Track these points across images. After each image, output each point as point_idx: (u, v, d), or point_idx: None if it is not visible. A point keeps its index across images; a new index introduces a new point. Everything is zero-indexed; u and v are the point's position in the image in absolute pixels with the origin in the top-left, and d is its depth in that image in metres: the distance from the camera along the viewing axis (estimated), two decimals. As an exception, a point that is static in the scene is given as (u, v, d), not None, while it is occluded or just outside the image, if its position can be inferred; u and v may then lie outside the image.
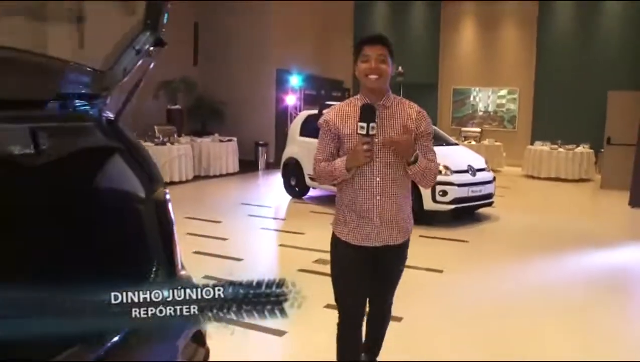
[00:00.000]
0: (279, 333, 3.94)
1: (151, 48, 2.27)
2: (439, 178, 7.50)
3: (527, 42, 17.19)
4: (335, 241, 2.85)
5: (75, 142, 2.12)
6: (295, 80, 15.17)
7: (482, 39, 18.00)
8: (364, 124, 2.55)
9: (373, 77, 2.66)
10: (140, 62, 2.30)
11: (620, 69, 15.11)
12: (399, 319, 4.13)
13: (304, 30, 16.47)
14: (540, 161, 14.08)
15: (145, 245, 2.22)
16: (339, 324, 2.91)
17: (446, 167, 7.90)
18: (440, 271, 5.74)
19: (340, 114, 2.78)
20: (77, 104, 2.22)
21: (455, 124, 17.98)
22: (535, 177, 13.92)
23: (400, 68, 14.89)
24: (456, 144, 9.86)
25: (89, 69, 2.21)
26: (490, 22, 17.70)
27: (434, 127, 7.81)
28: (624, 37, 15.69)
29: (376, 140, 2.62)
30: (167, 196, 2.34)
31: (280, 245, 7.11)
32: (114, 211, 2.24)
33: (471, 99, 18.18)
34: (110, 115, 2.34)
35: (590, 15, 16.25)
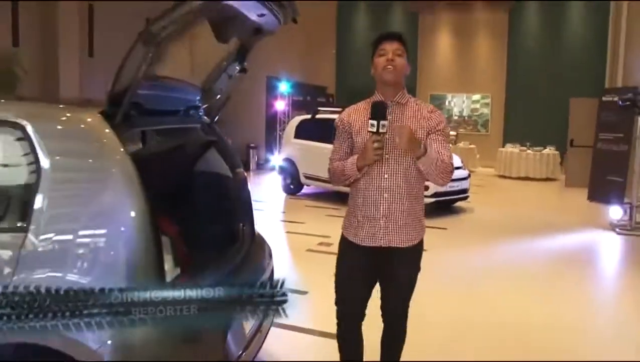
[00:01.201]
0: (303, 292, 4.95)
1: (237, 74, 3.28)
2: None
3: (499, 51, 18.49)
4: (343, 241, 2.84)
5: (192, 137, 3.13)
6: (284, 87, 16.17)
7: (457, 47, 19.25)
8: (375, 122, 2.51)
9: (389, 67, 2.63)
10: (229, 84, 3.32)
11: (583, 77, 16.45)
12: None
13: (291, 39, 17.46)
14: (511, 162, 15.26)
15: (235, 210, 3.24)
16: (338, 323, 2.90)
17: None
18: (425, 250, 6.83)
19: (353, 113, 2.79)
20: (191, 112, 3.22)
21: (432, 128, 19.17)
22: (506, 177, 15.07)
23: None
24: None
25: (199, 88, 3.21)
26: (464, 32, 18.96)
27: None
28: (586, 49, 17.08)
29: (387, 137, 2.58)
30: (245, 175, 3.37)
31: (287, 232, 8.13)
32: (213, 186, 3.24)
33: (447, 104, 19.39)
34: (207, 119, 3.34)
35: (556, 27, 17.63)
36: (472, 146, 16.68)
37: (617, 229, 8.24)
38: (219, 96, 3.32)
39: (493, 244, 7.50)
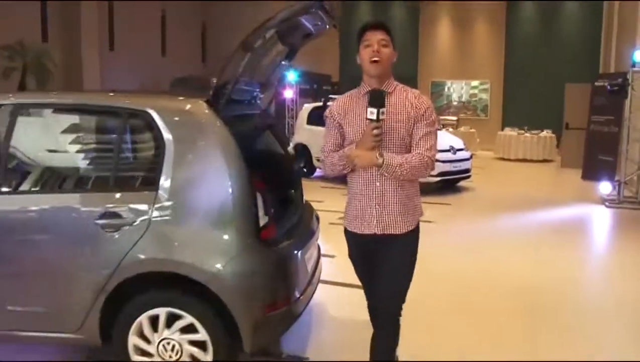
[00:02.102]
0: (332, 256, 5.73)
1: (286, 69, 4.03)
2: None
3: (497, 40, 19.21)
4: (345, 231, 2.89)
5: (257, 121, 3.88)
6: (291, 76, 16.87)
7: (457, 36, 19.95)
8: (374, 109, 2.52)
9: (375, 60, 2.63)
10: (278, 77, 4.07)
11: (577, 63, 17.17)
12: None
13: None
14: (509, 145, 16.00)
15: (288, 180, 4.02)
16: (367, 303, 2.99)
17: (432, 148, 9.78)
18: (432, 222, 7.64)
19: (343, 104, 2.79)
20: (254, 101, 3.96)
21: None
22: (505, 159, 15.81)
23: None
24: (439, 129, 11.76)
25: (259, 81, 3.96)
26: (463, 22, 19.66)
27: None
28: (580, 36, 17.80)
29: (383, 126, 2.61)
30: (293, 153, 4.14)
31: (306, 209, 8.91)
32: (271, 159, 4.00)
33: (447, 90, 20.13)
34: (262, 107, 4.10)
35: (552, 16, 18.34)
36: (473, 130, 17.39)
37: (607, 203, 9.03)
38: (271, 89, 4.07)
39: (493, 217, 8.30)
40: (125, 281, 2.90)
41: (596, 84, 11.48)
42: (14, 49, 10.49)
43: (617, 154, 10.08)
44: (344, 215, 2.87)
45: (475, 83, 19.68)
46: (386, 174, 2.61)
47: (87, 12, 12.77)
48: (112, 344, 3.04)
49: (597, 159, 10.84)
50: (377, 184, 2.69)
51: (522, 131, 15.94)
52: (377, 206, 2.70)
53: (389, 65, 2.71)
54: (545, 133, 15.84)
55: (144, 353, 3.00)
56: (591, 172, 11.03)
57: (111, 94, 3.34)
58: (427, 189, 9.87)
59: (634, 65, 8.98)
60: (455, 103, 19.96)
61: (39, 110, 3.29)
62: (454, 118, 19.07)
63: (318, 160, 11.42)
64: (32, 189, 3.19)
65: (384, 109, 2.56)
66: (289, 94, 16.87)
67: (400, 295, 2.80)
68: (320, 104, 11.61)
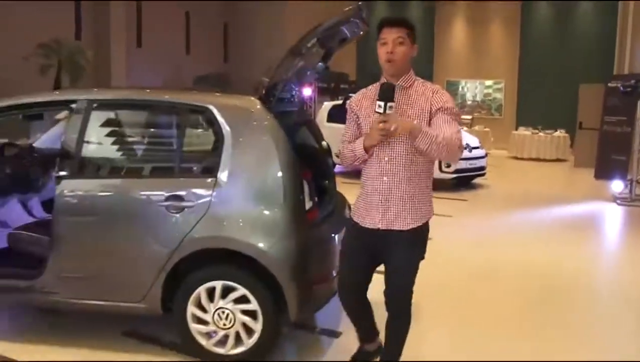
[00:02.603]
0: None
1: (322, 70, 4.40)
2: (444, 153, 9.81)
3: (512, 39, 19.46)
4: (349, 220, 3.00)
5: (295, 117, 4.25)
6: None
7: (472, 36, 20.22)
8: (382, 103, 2.54)
9: (390, 60, 2.68)
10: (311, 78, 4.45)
11: (592, 64, 17.37)
12: (429, 239, 6.36)
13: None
14: (523, 144, 16.24)
15: (323, 171, 4.40)
16: (338, 291, 3.08)
17: (449, 145, 10.14)
18: (451, 216, 8.00)
19: (362, 96, 2.89)
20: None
21: (449, 113, 20.23)
22: (519, 158, 16.06)
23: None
24: (455, 128, 12.10)
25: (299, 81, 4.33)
26: (478, 22, 19.93)
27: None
28: (595, 37, 18.00)
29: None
30: (327, 146, 4.52)
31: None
32: (308, 152, 4.37)
33: (462, 89, 20.42)
34: (300, 104, 4.49)
35: (566, 16, 18.57)
36: (487, 129, 17.66)
37: (618, 201, 9.33)
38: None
39: (508, 212, 8.64)
40: (186, 256, 3.30)
41: (609, 85, 11.70)
42: (50, 47, 10.96)
43: (630, 153, 10.35)
44: (352, 207, 2.97)
45: (489, 82, 19.94)
46: (422, 145, 2.56)
47: (115, 11, 13.22)
48: (171, 313, 3.44)
49: (610, 158, 11.08)
50: (385, 179, 2.73)
51: (536, 131, 16.19)
52: (383, 201, 2.73)
53: (406, 63, 2.74)
54: (559, 133, 16.06)
55: (201, 321, 3.39)
56: (604, 172, 11.27)
57: (175, 92, 3.75)
58: (444, 186, 10.25)
59: (647, 67, 9.25)
60: (469, 102, 20.24)
61: (113, 106, 3.71)
62: (469, 117, 19.32)
63: (337, 155, 11.78)
64: (108, 174, 3.62)
65: (392, 103, 2.56)
66: (307, 92, 17.28)
67: (406, 290, 2.84)
68: (340, 102, 11.99)
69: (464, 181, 10.75)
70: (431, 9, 20.50)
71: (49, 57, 10.92)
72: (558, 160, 15.68)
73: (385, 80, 2.73)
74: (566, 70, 17.95)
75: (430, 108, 2.70)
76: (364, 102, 2.84)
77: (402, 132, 2.56)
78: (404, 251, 2.78)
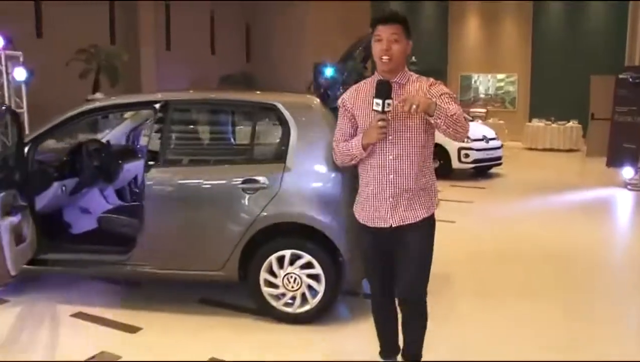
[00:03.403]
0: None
1: (360, 71, 5.02)
2: (463, 144, 10.43)
3: (524, 35, 19.96)
4: (357, 223, 2.93)
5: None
6: (328, 72, 17.86)
7: (485, 31, 20.74)
8: (380, 101, 2.52)
9: (385, 58, 2.64)
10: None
11: (603, 56, 17.80)
12: (452, 222, 6.98)
13: (332, 31, 19.22)
14: (537, 135, 16.79)
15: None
16: (372, 297, 3.11)
17: (467, 137, 10.71)
18: (472, 202, 8.61)
19: (355, 93, 2.82)
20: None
21: (463, 106, 20.58)
22: (533, 149, 16.60)
23: (413, 58, 17.62)
24: (472, 120, 12.67)
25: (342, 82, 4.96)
26: (491, 18, 20.44)
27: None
28: (606, 29, 18.47)
29: (390, 119, 2.62)
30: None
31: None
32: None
33: (476, 83, 20.95)
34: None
35: (577, 11, 19.05)
36: (501, 122, 18.15)
37: (629, 186, 9.89)
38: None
39: (524, 198, 9.23)
40: (260, 230, 3.95)
41: (620, 76, 12.20)
42: (89, 53, 11.68)
43: (640, 141, 10.85)
44: (355, 206, 2.93)
45: (502, 76, 20.47)
46: (439, 120, 2.56)
47: (144, 16, 13.92)
48: (246, 279, 4.09)
49: (622, 147, 11.58)
50: (392, 176, 2.69)
51: (549, 122, 16.70)
52: (391, 198, 2.71)
53: (401, 59, 2.71)
54: (572, 123, 16.55)
55: (272, 285, 4.04)
56: (615, 160, 11.77)
57: (245, 93, 4.42)
58: (463, 175, 10.87)
59: (654, 59, 9.78)
60: (483, 96, 20.76)
61: (194, 105, 4.40)
62: (483, 110, 19.84)
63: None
64: (191, 163, 4.30)
65: (390, 101, 2.54)
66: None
67: (424, 282, 2.85)
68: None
69: (482, 171, 11.35)
70: (445, 6, 21.03)
71: (89, 62, 11.63)
72: (571, 150, 16.18)
73: (378, 76, 2.73)
74: (578, 63, 18.39)
75: (429, 97, 2.65)
76: (358, 99, 2.79)
77: (422, 108, 2.50)
78: (416, 243, 2.77)
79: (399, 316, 2.99)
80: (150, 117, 5.57)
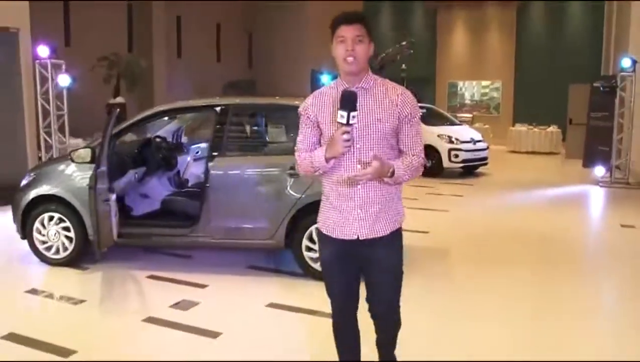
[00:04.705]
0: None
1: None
2: (452, 145, 11.61)
3: (508, 44, 21.31)
4: (319, 235, 2.76)
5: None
6: (325, 79, 18.97)
7: (471, 40, 22.06)
8: (344, 113, 2.39)
9: (350, 59, 2.49)
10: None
11: (581, 66, 19.08)
12: (446, 211, 8.15)
13: (329, 37, 20.35)
14: (520, 139, 17.96)
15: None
16: (332, 316, 2.86)
17: (457, 139, 11.93)
18: (462, 196, 9.78)
19: (319, 100, 2.65)
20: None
21: (451, 112, 21.88)
22: (516, 152, 17.75)
23: (403, 65, 18.79)
24: (460, 124, 13.87)
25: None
26: (477, 28, 21.77)
27: (443, 112, 11.94)
28: (584, 42, 19.88)
29: (356, 126, 2.48)
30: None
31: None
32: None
33: (462, 90, 22.21)
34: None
35: (559, 23, 20.49)
36: (487, 126, 19.34)
37: (600, 183, 11.09)
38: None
39: (508, 192, 10.41)
40: (303, 207, 5.03)
41: (594, 84, 13.43)
42: (111, 60, 12.70)
43: (612, 144, 12.07)
44: (319, 215, 2.75)
45: (487, 83, 21.78)
46: (391, 182, 2.53)
47: (157, 27, 14.96)
48: (291, 245, 5.17)
49: (596, 149, 12.79)
50: (359, 186, 2.56)
51: (531, 127, 17.91)
52: (359, 209, 2.58)
53: (366, 61, 2.58)
54: (552, 128, 17.73)
55: (310, 249, 5.11)
56: (590, 161, 12.96)
57: (285, 98, 5.52)
58: (452, 175, 12.05)
59: (622, 70, 11.01)
60: (470, 102, 22.04)
61: (246, 108, 5.53)
62: (470, 115, 21.11)
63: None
64: (248, 153, 5.43)
65: (355, 113, 2.41)
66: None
67: (398, 296, 2.76)
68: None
69: (470, 170, 12.54)
70: (433, 15, 22.29)
71: (112, 68, 12.65)
72: (551, 153, 17.34)
73: (343, 84, 2.59)
74: (558, 71, 19.71)
75: (399, 113, 2.56)
76: (323, 107, 2.63)
77: (375, 178, 2.49)
78: (386, 257, 2.67)
79: (375, 328, 2.88)
80: (191, 120, 6.72)
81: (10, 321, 4.32)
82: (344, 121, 2.39)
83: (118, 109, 5.67)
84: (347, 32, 2.51)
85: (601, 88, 11.88)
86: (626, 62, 10.87)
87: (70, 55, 12.15)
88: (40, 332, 4.09)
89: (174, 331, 4.15)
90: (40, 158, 9.40)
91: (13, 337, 4.01)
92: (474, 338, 4.06)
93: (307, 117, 2.66)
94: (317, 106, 2.64)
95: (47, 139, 9.49)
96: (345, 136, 2.41)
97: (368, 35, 2.55)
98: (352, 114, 2.39)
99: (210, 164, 5.24)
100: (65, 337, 4.00)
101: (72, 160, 5.37)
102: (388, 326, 2.84)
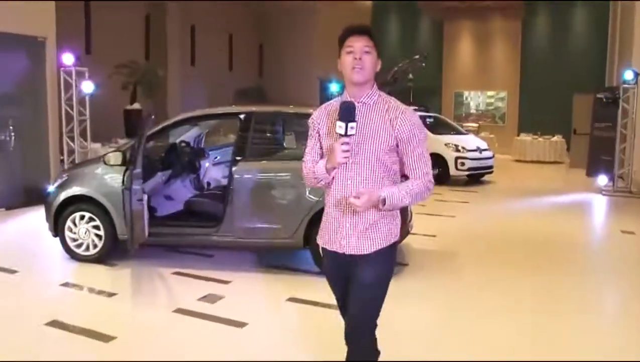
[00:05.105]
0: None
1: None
2: (459, 154, 11.95)
3: (513, 54, 21.68)
4: (320, 246, 2.80)
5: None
6: (334, 87, 19.39)
7: (477, 51, 22.44)
8: (343, 124, 2.41)
9: (357, 67, 2.50)
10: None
11: (585, 76, 19.40)
12: (453, 216, 8.48)
13: (337, 47, 20.81)
14: (525, 148, 18.27)
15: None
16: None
17: (463, 148, 12.27)
18: (468, 202, 10.11)
19: (323, 113, 2.70)
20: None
21: (457, 121, 22.22)
22: (521, 161, 18.05)
23: (410, 75, 19.18)
24: (467, 133, 14.20)
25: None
26: (483, 38, 22.16)
27: (450, 121, 12.21)
28: (587, 53, 20.21)
29: (354, 140, 2.49)
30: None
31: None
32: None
33: (468, 100, 22.57)
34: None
35: (563, 34, 20.84)
36: (492, 136, 19.66)
37: (603, 192, 11.39)
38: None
39: (512, 200, 10.73)
40: (321, 209, 5.34)
41: (597, 95, 13.76)
42: (130, 68, 13.11)
43: (615, 153, 12.38)
44: (320, 229, 2.78)
45: (493, 93, 22.13)
46: (387, 209, 2.51)
47: (171, 36, 15.37)
48: (309, 244, 5.51)
49: (600, 158, 13.09)
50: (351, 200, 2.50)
51: (536, 136, 18.21)
52: (349, 224, 2.59)
53: (373, 73, 2.58)
54: (557, 138, 18.05)
55: (327, 249, 5.46)
56: (594, 170, 13.26)
57: (302, 107, 5.88)
58: (458, 182, 12.39)
59: (624, 82, 11.34)
60: (475, 111, 22.40)
61: (269, 115, 5.92)
62: (476, 125, 21.43)
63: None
64: (270, 157, 5.78)
65: (354, 124, 2.42)
66: (332, 103, 19.42)
67: (368, 316, 2.66)
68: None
69: (475, 178, 12.87)
70: (440, 26, 22.68)
71: (130, 76, 13.06)
72: (556, 162, 17.64)
73: (347, 97, 2.60)
74: (563, 82, 19.97)
75: (396, 134, 2.53)
76: (325, 119, 2.67)
77: (367, 207, 2.49)
78: (367, 277, 2.61)
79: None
80: (210, 127, 7.09)
81: (51, 310, 4.67)
82: (342, 132, 2.42)
83: (153, 116, 6.02)
84: (356, 42, 2.54)
85: (604, 99, 12.18)
86: (628, 75, 11.19)
87: (90, 62, 12.59)
88: (80, 320, 4.44)
89: (204, 321, 4.50)
90: (62, 161, 9.77)
91: (56, 324, 4.37)
92: (477, 335, 4.37)
93: (313, 129, 2.72)
94: (321, 119, 2.69)
95: (70, 143, 9.87)
96: (344, 147, 2.44)
97: (375, 49, 2.57)
98: (350, 124, 2.42)
99: (234, 168, 5.60)
100: (104, 325, 4.35)
101: (105, 163, 5.74)
102: (356, 353, 2.69)
